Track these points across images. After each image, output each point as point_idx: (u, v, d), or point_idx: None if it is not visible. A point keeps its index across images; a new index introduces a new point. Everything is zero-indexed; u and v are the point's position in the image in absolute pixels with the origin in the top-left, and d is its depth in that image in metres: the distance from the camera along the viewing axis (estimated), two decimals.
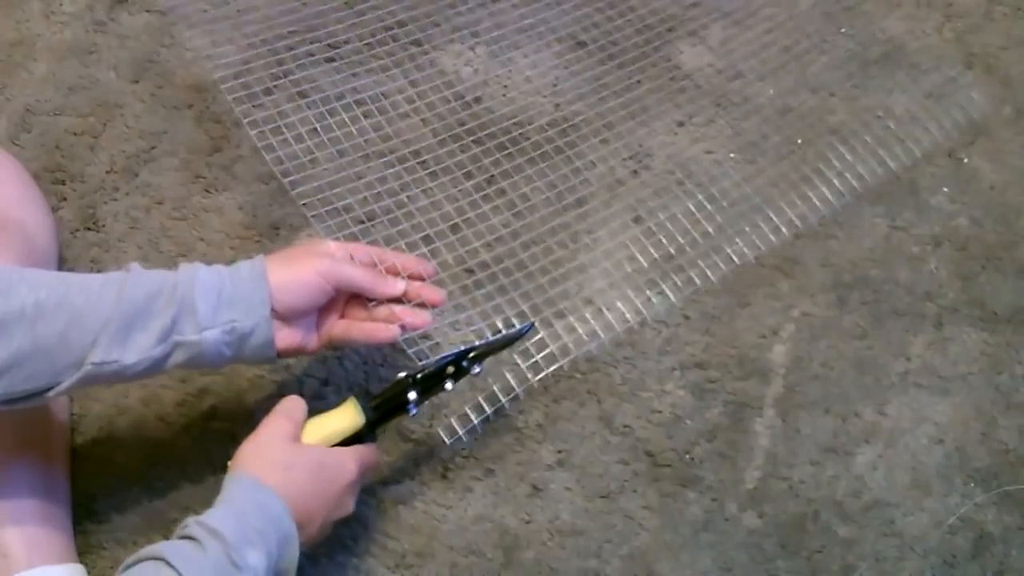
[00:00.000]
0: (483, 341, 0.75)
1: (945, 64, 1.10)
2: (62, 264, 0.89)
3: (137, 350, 0.61)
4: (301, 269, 0.68)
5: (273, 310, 0.66)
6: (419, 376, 0.72)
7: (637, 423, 0.85)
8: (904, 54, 1.10)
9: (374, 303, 0.72)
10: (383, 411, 0.71)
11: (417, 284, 0.73)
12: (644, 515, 0.81)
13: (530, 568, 0.78)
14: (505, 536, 0.79)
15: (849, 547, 0.80)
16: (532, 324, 0.78)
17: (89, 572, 0.73)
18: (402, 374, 0.72)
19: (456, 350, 0.73)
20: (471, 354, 0.73)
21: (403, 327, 0.71)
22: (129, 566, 0.57)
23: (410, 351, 0.73)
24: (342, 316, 0.73)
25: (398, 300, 0.72)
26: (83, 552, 0.75)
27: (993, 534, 0.82)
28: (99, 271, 0.89)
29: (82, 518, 0.77)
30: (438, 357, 0.73)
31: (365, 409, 0.70)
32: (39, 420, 0.76)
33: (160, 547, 0.57)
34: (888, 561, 0.80)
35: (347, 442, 0.70)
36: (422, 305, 0.73)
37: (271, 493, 0.62)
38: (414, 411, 0.72)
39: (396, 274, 0.73)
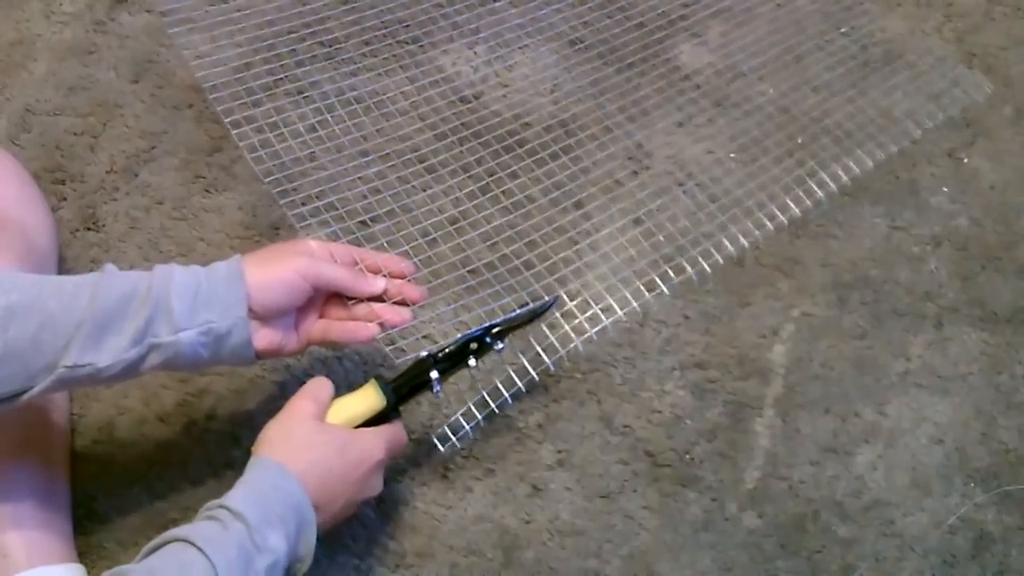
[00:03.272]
0: (506, 316, 0.74)
1: (945, 64, 1.10)
2: (62, 264, 0.89)
3: (111, 353, 0.60)
4: (279, 268, 0.67)
5: (251, 310, 0.65)
6: (440, 355, 0.72)
7: (637, 423, 0.85)
8: (904, 54, 1.10)
9: (354, 301, 0.71)
10: (404, 391, 0.71)
11: (397, 282, 0.73)
12: (644, 515, 0.81)
13: (530, 568, 0.78)
14: (505, 536, 0.79)
15: (849, 547, 0.80)
16: (556, 297, 0.77)
17: (89, 572, 0.73)
18: (423, 353, 0.72)
19: (480, 326, 0.72)
20: (494, 330, 0.73)
21: (382, 325, 0.70)
22: (153, 549, 0.57)
23: (388, 348, 0.73)
24: (321, 316, 0.72)
25: (378, 299, 0.72)
26: (83, 552, 0.75)
27: (993, 534, 0.82)
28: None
29: (82, 518, 0.77)
30: (461, 335, 0.72)
31: (385, 391, 0.70)
32: (39, 421, 0.76)
33: (184, 529, 0.58)
34: (888, 561, 0.80)
35: (372, 422, 0.70)
36: (403, 303, 0.72)
37: (292, 479, 0.62)
38: (438, 389, 0.71)
39: (376, 272, 0.73)
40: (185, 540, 0.57)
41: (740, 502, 0.82)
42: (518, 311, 0.75)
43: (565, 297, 0.83)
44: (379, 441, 0.68)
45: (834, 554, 0.80)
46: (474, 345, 0.72)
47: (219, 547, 0.56)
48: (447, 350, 0.72)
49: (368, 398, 0.70)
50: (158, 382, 0.84)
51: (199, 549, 0.56)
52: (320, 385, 0.69)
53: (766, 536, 0.80)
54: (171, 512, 0.78)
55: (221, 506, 0.60)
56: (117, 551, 0.76)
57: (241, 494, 0.61)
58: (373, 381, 0.71)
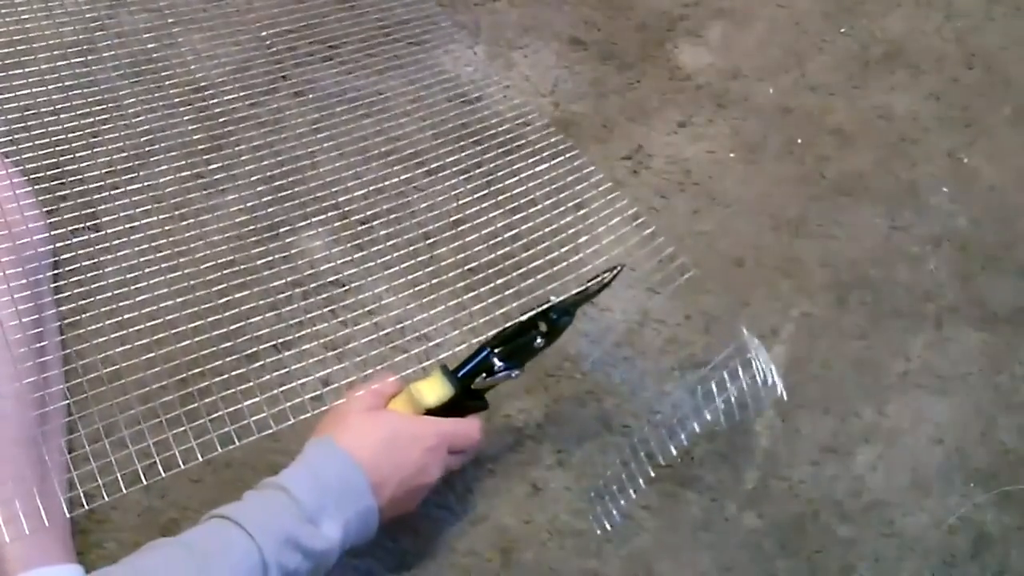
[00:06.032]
0: (570, 294, 0.75)
1: (945, 64, 1.10)
2: (59, 266, 0.88)
3: None
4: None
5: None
6: (498, 338, 0.72)
7: (637, 423, 0.85)
8: (904, 54, 1.10)
9: None
10: (467, 377, 0.72)
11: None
12: (644, 515, 0.81)
13: (529, 568, 0.78)
14: (504, 536, 0.79)
15: (849, 547, 0.80)
16: (622, 266, 0.77)
17: (88, 572, 0.73)
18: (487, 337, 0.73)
19: (541, 305, 0.73)
20: (558, 307, 0.73)
21: None
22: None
23: (389, 350, 0.73)
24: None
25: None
26: (82, 552, 0.75)
27: (993, 534, 0.82)
28: (99, 272, 0.89)
29: (81, 518, 0.77)
30: (515, 320, 0.73)
31: (450, 378, 0.71)
32: (36, 420, 0.76)
33: (231, 508, 0.59)
34: (888, 561, 0.80)
35: (449, 413, 0.71)
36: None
37: (351, 461, 0.63)
38: (515, 373, 0.72)
39: None
40: (230, 519, 0.57)
41: (740, 502, 0.82)
42: (583, 286, 0.75)
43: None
44: (434, 427, 0.69)
45: (834, 554, 0.80)
46: (543, 326, 0.73)
47: (268, 531, 0.57)
48: (503, 333, 0.73)
49: (434, 386, 0.71)
50: (158, 382, 0.84)
51: (244, 529, 0.56)
52: (382, 379, 0.71)
53: (766, 536, 0.80)
54: (170, 512, 0.78)
55: (278, 486, 0.60)
56: (116, 551, 0.76)
57: (298, 475, 0.62)
58: (438, 368, 0.72)
